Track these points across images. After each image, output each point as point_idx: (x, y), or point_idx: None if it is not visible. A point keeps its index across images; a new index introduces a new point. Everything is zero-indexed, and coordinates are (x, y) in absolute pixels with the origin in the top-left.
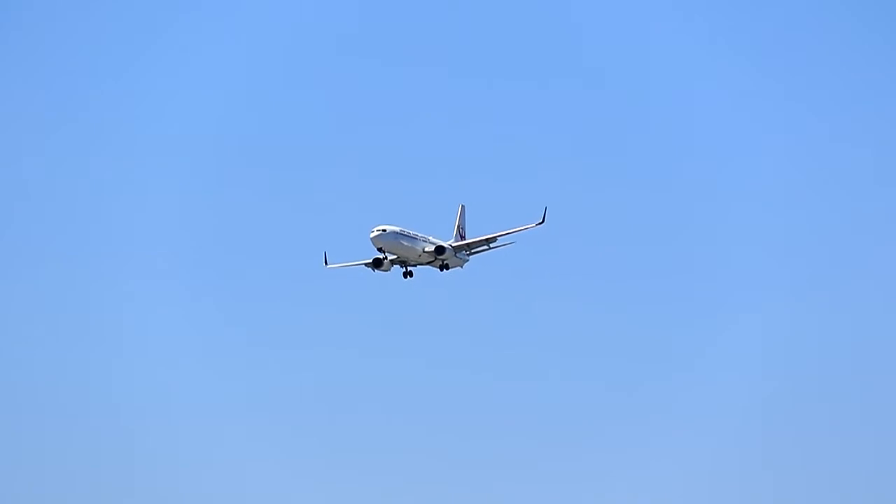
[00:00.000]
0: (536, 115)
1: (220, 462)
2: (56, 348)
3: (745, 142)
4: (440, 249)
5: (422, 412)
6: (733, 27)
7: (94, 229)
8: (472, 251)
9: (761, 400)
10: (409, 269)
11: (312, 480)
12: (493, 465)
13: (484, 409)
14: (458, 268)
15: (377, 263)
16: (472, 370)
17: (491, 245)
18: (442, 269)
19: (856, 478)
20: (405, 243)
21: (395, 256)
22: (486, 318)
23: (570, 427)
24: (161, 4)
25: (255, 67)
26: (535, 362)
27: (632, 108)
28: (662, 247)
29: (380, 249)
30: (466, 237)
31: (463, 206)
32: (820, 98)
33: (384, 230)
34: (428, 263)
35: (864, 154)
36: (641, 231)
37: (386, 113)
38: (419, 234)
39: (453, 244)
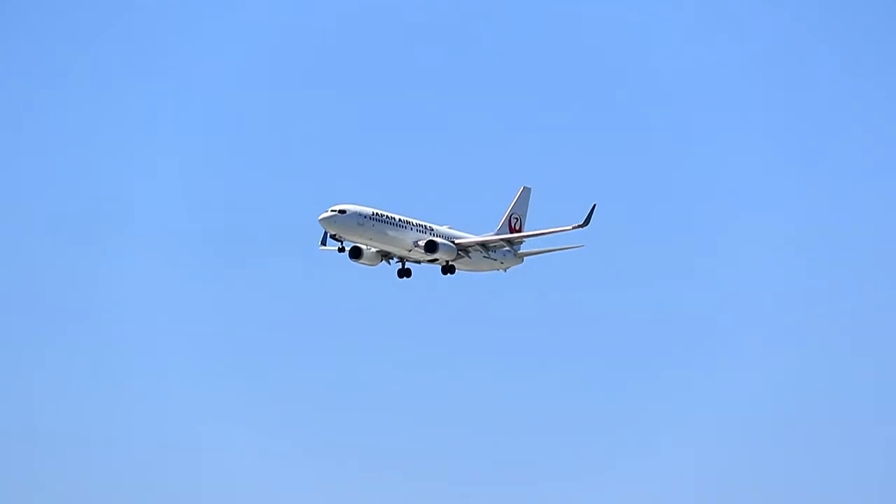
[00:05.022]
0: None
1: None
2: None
3: (747, 146)
4: (431, 246)
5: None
6: (734, 27)
7: (94, 227)
8: (499, 250)
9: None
10: (406, 265)
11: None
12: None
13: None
14: (502, 271)
15: (355, 253)
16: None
17: (514, 245)
18: (445, 273)
19: None
20: (390, 232)
21: (375, 247)
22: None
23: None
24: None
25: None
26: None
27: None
28: (659, 251)
29: (334, 237)
30: (524, 230)
31: (526, 190)
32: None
33: (342, 211)
34: (431, 261)
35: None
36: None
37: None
38: (414, 221)
39: (461, 241)
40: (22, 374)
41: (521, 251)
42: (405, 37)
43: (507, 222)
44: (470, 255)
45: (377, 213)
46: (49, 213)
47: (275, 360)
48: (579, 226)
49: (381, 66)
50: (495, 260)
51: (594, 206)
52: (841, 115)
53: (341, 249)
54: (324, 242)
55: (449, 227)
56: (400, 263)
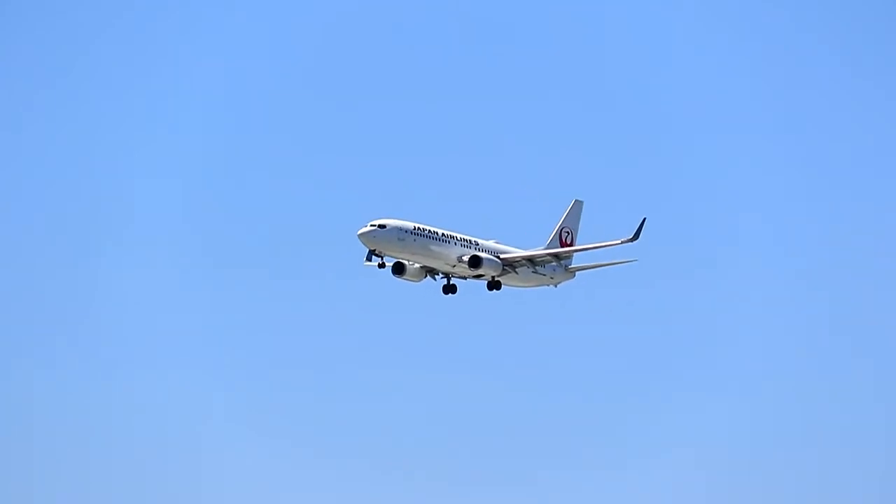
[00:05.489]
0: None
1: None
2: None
3: (746, 147)
4: (475, 261)
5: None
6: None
7: (93, 229)
8: (548, 265)
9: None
10: (451, 281)
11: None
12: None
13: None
14: (552, 286)
15: (398, 269)
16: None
17: (563, 260)
18: (491, 288)
19: None
20: (433, 247)
21: (418, 263)
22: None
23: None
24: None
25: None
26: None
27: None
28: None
29: (374, 253)
30: (575, 244)
31: (577, 203)
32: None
33: (382, 226)
34: (476, 277)
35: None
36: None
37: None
38: (458, 236)
39: (507, 256)
40: (18, 377)
41: (571, 266)
42: (422, 38)
43: (557, 236)
44: (517, 270)
45: (419, 228)
46: (48, 215)
47: (282, 366)
48: (628, 240)
49: (404, 69)
50: (544, 275)
51: (644, 219)
52: (842, 114)
53: (382, 265)
54: (369, 258)
55: (495, 242)
56: (445, 279)
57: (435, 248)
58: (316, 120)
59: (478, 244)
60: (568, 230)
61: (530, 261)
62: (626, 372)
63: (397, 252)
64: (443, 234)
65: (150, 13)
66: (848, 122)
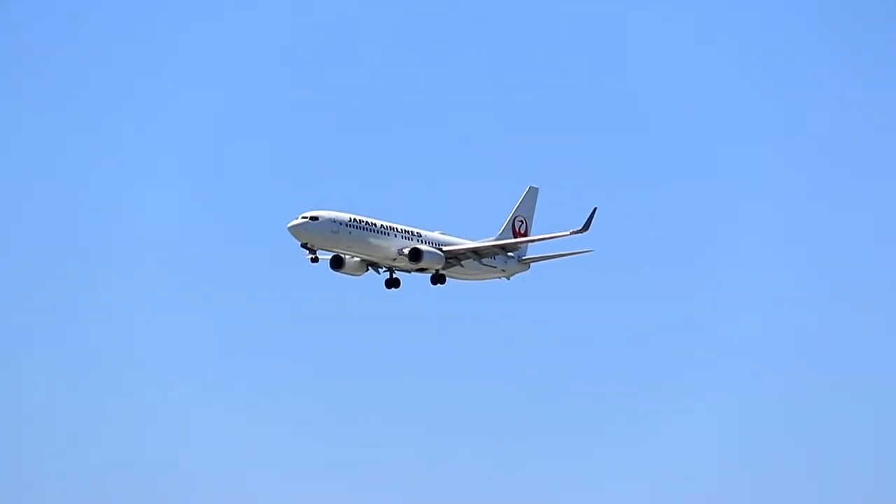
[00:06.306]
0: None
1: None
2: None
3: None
4: (415, 254)
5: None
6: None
7: (90, 231)
8: (498, 256)
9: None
10: (394, 275)
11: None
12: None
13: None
14: (504, 279)
15: (337, 262)
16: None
17: (515, 251)
18: (434, 282)
19: None
20: (371, 240)
21: (357, 256)
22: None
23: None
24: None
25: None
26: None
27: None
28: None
29: (305, 246)
30: (530, 234)
31: (532, 190)
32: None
33: (314, 218)
34: (419, 270)
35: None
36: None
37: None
38: (398, 227)
39: (450, 249)
40: (12, 382)
41: (525, 257)
42: (399, 36)
43: (510, 225)
44: (462, 263)
45: (355, 220)
46: (45, 217)
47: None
48: (578, 231)
49: (378, 66)
50: (495, 267)
51: (594, 209)
52: (844, 112)
53: (314, 259)
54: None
55: (441, 233)
56: (388, 273)
57: (373, 240)
58: (310, 121)
59: (420, 236)
60: (522, 219)
61: (476, 253)
62: (581, 368)
63: (331, 245)
64: (381, 226)
65: (145, 14)
66: (832, 119)
